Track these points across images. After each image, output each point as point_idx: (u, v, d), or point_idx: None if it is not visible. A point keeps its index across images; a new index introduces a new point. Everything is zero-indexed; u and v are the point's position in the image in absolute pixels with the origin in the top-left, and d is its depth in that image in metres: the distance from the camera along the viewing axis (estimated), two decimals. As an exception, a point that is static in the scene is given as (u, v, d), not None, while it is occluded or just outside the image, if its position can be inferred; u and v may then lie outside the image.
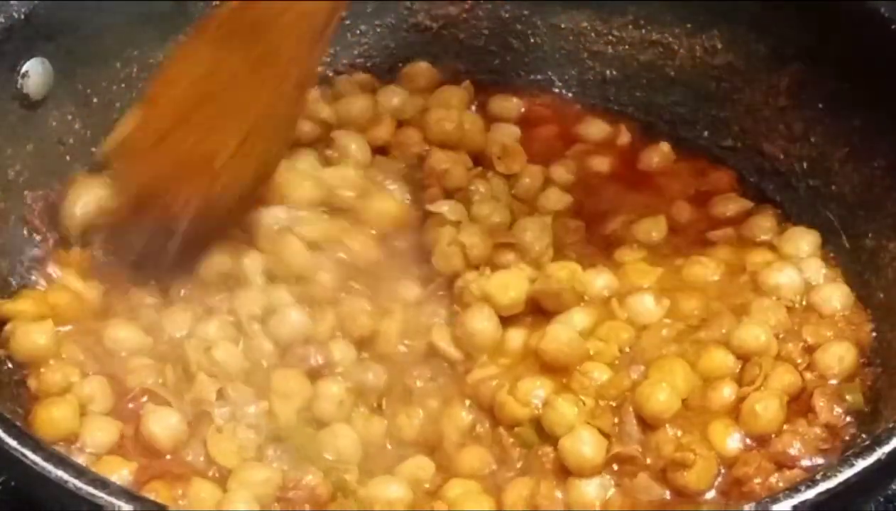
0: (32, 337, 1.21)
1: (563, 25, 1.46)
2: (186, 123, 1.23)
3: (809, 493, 0.97)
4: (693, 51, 1.43)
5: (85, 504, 0.96)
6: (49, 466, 0.97)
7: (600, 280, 1.26)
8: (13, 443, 0.99)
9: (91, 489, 0.96)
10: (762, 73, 1.39)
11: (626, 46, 1.46)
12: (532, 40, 1.48)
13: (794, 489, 0.97)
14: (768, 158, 1.39)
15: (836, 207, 1.33)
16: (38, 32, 1.28)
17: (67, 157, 1.34)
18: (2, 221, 1.27)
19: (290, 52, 1.20)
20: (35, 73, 1.29)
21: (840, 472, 0.99)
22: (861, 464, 0.99)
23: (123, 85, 1.38)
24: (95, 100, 1.36)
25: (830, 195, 1.34)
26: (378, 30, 1.49)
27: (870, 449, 1.00)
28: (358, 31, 1.48)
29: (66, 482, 0.96)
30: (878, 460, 1.00)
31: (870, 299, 1.26)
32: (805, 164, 1.36)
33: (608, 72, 1.47)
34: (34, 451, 0.99)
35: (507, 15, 1.47)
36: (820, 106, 1.34)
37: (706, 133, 1.44)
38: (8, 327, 1.22)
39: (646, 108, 1.46)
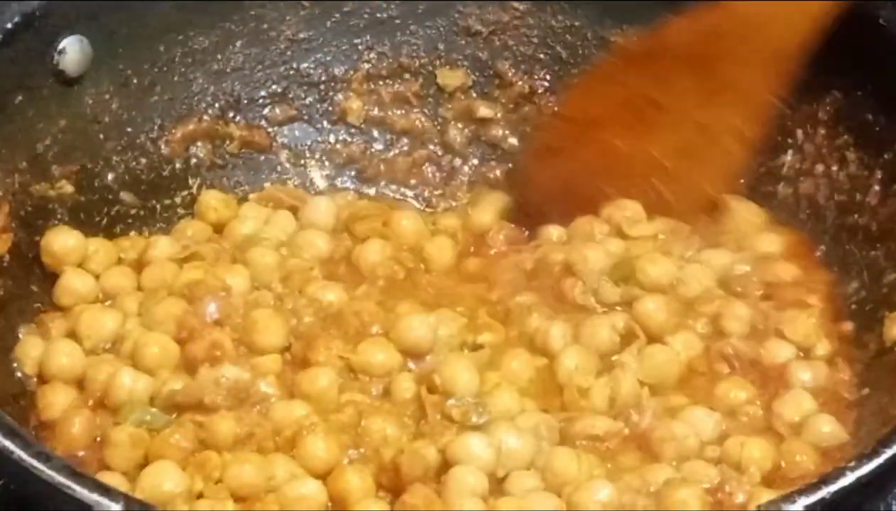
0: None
1: (612, 39, 1.44)
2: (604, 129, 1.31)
3: (817, 495, 0.97)
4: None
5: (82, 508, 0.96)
6: (47, 470, 0.98)
7: None
8: (11, 447, 1.00)
9: (87, 492, 0.96)
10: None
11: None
12: (581, 52, 1.45)
13: (806, 488, 0.98)
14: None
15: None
16: (80, 11, 1.31)
17: (101, 136, 1.36)
18: (24, 194, 1.29)
19: (747, 86, 1.20)
20: (73, 50, 1.30)
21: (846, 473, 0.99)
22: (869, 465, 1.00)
23: (165, 68, 1.40)
24: (135, 81, 1.38)
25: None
26: (429, 31, 1.48)
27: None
28: (408, 31, 1.48)
29: (64, 486, 0.97)
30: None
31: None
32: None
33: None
34: (32, 456, 0.99)
35: (557, 25, 1.46)
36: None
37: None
38: None
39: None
